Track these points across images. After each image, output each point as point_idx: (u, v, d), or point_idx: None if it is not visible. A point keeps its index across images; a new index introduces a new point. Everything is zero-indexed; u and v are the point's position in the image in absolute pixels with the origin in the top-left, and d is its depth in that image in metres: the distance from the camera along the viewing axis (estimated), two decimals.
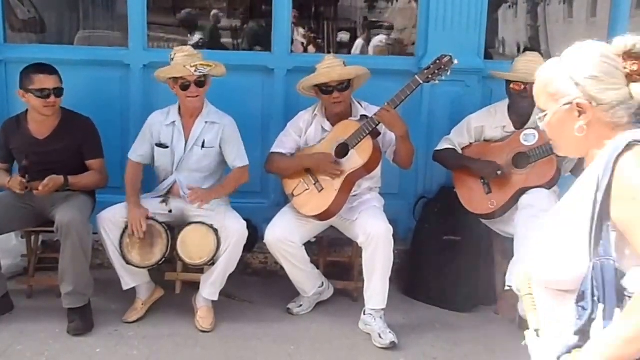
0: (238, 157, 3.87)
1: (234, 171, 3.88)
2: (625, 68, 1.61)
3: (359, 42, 8.03)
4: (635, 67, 1.60)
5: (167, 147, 3.84)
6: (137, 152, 3.90)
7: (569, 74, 1.64)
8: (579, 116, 1.63)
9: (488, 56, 4.94)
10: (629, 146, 1.54)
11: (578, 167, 3.80)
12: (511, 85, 3.75)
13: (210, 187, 3.84)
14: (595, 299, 1.51)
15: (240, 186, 3.91)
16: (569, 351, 1.54)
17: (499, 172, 3.73)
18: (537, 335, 1.66)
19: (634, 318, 1.44)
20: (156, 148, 3.87)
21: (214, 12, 7.73)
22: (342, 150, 3.73)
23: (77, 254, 3.56)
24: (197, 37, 7.30)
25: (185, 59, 3.67)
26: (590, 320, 1.52)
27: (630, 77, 1.61)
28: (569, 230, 1.60)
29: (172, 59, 3.74)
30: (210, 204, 3.76)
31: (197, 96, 3.73)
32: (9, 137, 3.85)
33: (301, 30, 7.84)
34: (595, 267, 1.51)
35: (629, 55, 1.62)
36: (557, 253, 1.63)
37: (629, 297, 1.48)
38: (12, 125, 3.87)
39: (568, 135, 1.67)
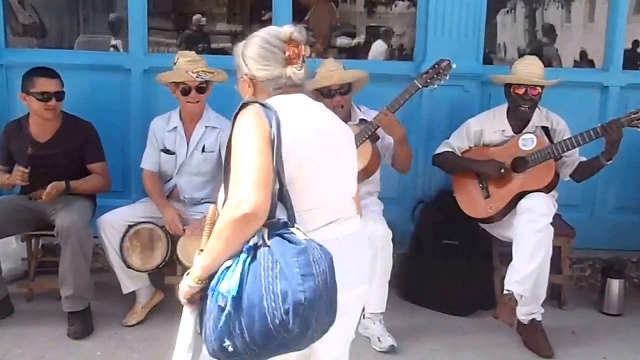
0: None
1: None
2: (285, 52, 2.05)
3: (380, 45, 7.87)
4: (290, 53, 2.05)
5: (174, 153, 3.87)
6: (150, 160, 3.92)
7: (243, 54, 2.13)
8: (249, 87, 2.11)
9: (487, 61, 4.96)
10: (243, 105, 1.97)
11: (578, 171, 3.82)
12: (512, 89, 3.76)
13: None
14: None
15: None
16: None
17: (502, 170, 3.75)
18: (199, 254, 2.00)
19: (211, 239, 1.90)
20: (162, 154, 3.89)
21: (195, 16, 7.62)
22: None
23: (77, 258, 3.58)
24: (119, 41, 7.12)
25: (188, 65, 3.70)
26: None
27: (289, 60, 2.06)
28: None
29: (175, 64, 3.77)
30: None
31: (197, 102, 3.75)
32: (10, 139, 3.87)
33: None
34: (224, 203, 1.92)
35: (290, 41, 2.06)
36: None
37: None
38: (14, 128, 3.89)
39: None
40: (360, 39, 8.49)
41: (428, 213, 4.36)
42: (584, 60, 6.81)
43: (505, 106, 3.90)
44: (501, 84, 3.87)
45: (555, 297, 4.15)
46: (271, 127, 1.90)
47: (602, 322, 4.07)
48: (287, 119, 1.94)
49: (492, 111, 3.98)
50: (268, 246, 1.81)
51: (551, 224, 3.56)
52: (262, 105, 1.94)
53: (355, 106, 3.91)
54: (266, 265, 1.78)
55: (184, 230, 3.71)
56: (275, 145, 1.88)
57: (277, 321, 1.73)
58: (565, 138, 3.70)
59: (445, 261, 4.10)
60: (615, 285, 4.14)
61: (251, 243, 1.83)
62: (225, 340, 1.80)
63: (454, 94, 4.35)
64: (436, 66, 3.60)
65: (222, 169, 3.81)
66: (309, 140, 2.00)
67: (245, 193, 1.80)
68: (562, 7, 7.80)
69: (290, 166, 1.92)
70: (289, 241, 1.82)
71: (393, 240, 3.66)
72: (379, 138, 3.80)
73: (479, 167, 3.86)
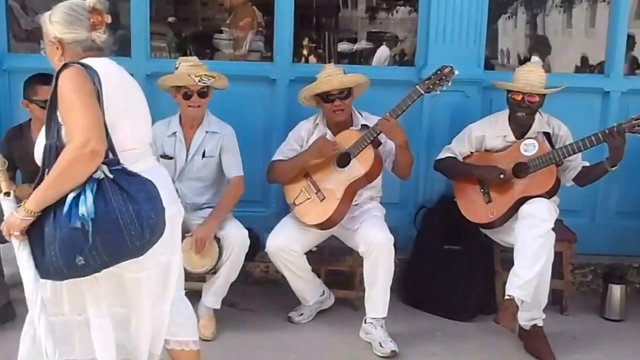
0: (234, 167, 3.88)
1: (230, 183, 3.87)
2: (90, 19, 2.41)
3: (384, 51, 7.85)
4: (94, 19, 2.42)
5: (172, 158, 3.87)
6: None
7: (50, 20, 2.44)
8: (57, 49, 2.44)
9: (488, 66, 4.97)
10: (65, 66, 2.29)
11: (581, 176, 3.83)
12: (511, 95, 3.77)
13: (209, 217, 3.77)
14: (45, 167, 2.30)
15: (237, 200, 3.88)
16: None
17: (502, 176, 3.75)
18: (7, 197, 2.46)
19: (52, 176, 2.23)
20: (161, 159, 3.89)
21: (170, 19, 7.49)
22: (344, 159, 3.76)
23: None
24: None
25: (190, 69, 3.71)
26: (41, 179, 2.30)
27: (94, 26, 2.42)
28: None
29: (177, 68, 3.78)
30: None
31: (198, 106, 3.76)
32: (12, 146, 3.87)
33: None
34: (46, 146, 2.31)
35: (93, 10, 2.42)
36: None
37: None
38: (15, 134, 3.90)
39: (56, 62, 2.43)
40: (362, 44, 8.54)
41: (430, 218, 4.37)
42: (585, 66, 6.85)
43: (506, 112, 3.91)
44: (502, 89, 3.88)
45: (556, 302, 4.16)
46: (94, 83, 2.28)
47: (603, 328, 4.07)
48: (103, 76, 2.31)
49: (493, 116, 3.99)
50: (111, 178, 2.22)
51: (552, 229, 3.56)
52: (83, 65, 2.30)
53: (356, 112, 3.92)
54: (114, 192, 2.21)
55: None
56: (100, 98, 2.28)
57: (132, 233, 2.20)
58: (567, 144, 3.71)
59: (446, 266, 4.12)
60: (616, 291, 4.14)
61: (95, 176, 2.21)
62: (78, 256, 2.18)
63: (455, 100, 4.36)
64: (439, 72, 3.60)
65: (221, 175, 3.87)
66: (122, 94, 2.42)
67: (88, 135, 2.18)
68: (563, 13, 7.84)
69: (110, 115, 2.31)
70: (128, 174, 2.29)
71: (395, 245, 3.67)
72: (381, 143, 3.81)
73: (479, 173, 3.87)
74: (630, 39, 5.61)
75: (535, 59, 7.27)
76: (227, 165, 3.87)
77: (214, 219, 3.74)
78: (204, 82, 3.68)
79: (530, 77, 3.73)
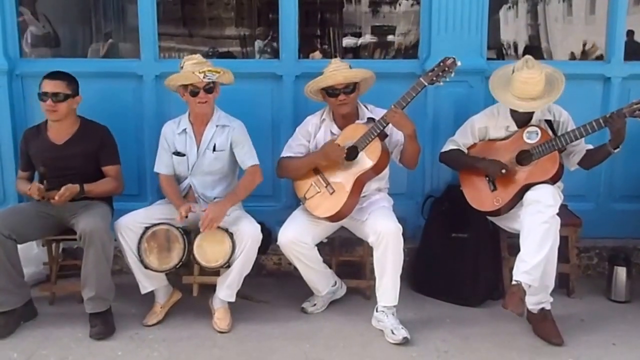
0: (249, 157, 3.93)
1: (246, 172, 3.93)
2: None
3: None
4: None
5: (184, 155, 3.94)
6: (163, 164, 3.99)
7: None
8: None
9: (490, 56, 5.00)
10: None
11: (586, 159, 3.89)
12: None
13: (223, 198, 3.87)
14: None
15: (254, 188, 3.94)
16: None
17: (504, 171, 3.81)
18: None
19: None
20: (174, 156, 3.97)
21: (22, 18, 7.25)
22: (352, 152, 3.82)
23: (99, 261, 3.64)
24: None
25: (194, 66, 3.76)
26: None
27: None
28: None
29: (182, 67, 3.83)
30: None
31: (206, 102, 3.81)
32: (29, 144, 3.96)
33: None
34: None
35: None
36: None
37: None
38: (33, 133, 3.99)
39: None
40: (366, 38, 8.58)
41: (437, 207, 4.43)
42: (586, 52, 6.86)
43: None
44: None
45: (563, 285, 4.20)
46: None
47: (610, 309, 4.12)
48: None
49: (494, 107, 4.02)
50: None
51: (558, 214, 3.60)
52: None
53: (362, 105, 3.97)
54: None
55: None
56: None
57: None
58: (568, 130, 3.76)
59: (454, 254, 4.18)
60: (622, 273, 4.20)
61: None
62: None
63: (459, 90, 4.41)
64: (441, 64, 3.64)
65: (232, 168, 3.94)
66: None
67: None
68: (563, 1, 7.86)
69: None
70: None
71: (403, 234, 3.72)
72: (387, 136, 3.86)
73: (482, 166, 3.92)
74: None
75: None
76: (240, 157, 3.93)
77: (228, 202, 3.81)
78: (209, 78, 3.74)
79: (525, 89, 3.68)
